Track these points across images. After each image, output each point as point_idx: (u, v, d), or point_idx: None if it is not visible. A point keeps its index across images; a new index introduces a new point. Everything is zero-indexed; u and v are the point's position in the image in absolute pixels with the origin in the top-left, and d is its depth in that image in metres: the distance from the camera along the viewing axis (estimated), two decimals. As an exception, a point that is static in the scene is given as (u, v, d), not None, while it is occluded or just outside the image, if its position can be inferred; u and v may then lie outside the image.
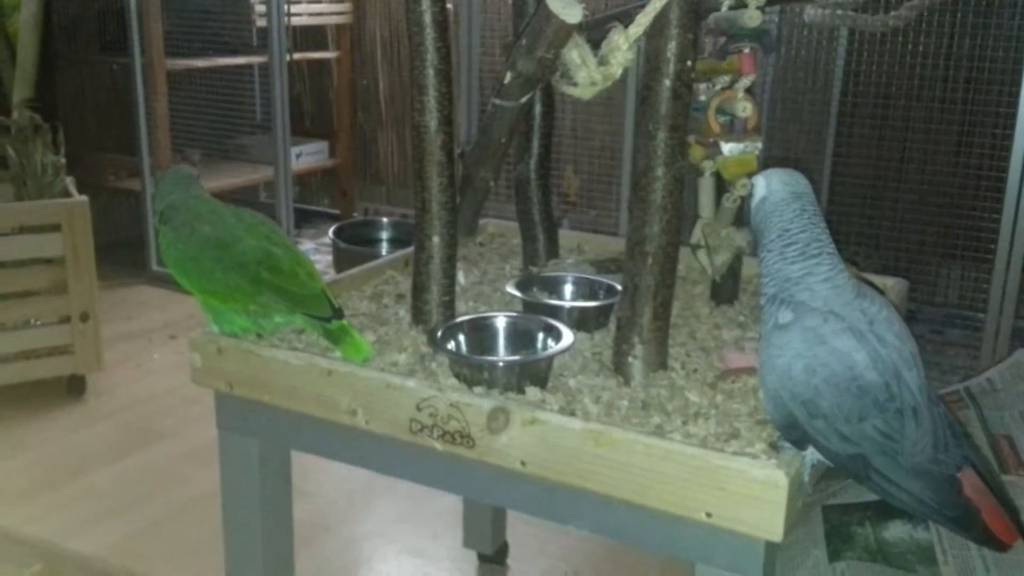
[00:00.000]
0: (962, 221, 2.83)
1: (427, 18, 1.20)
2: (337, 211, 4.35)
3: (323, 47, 4.23)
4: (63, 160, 2.71)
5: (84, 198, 2.57)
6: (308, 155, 4.12)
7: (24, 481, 2.21)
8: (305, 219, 4.32)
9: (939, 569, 1.10)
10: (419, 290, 1.30)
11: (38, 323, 2.57)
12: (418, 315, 1.30)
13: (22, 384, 2.55)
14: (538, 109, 1.54)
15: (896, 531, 1.16)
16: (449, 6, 1.45)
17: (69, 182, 2.69)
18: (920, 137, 2.90)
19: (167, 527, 2.04)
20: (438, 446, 1.07)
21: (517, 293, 1.33)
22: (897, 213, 2.97)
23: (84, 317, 2.57)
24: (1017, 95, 2.43)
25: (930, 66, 2.80)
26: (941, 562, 1.11)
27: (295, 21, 3.84)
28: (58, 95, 4.15)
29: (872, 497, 1.18)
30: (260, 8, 3.57)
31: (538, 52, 1.20)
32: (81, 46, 4.14)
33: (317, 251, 3.91)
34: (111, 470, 2.27)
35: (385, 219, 1.88)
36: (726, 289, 1.41)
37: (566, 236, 1.70)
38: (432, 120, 1.24)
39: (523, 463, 1.02)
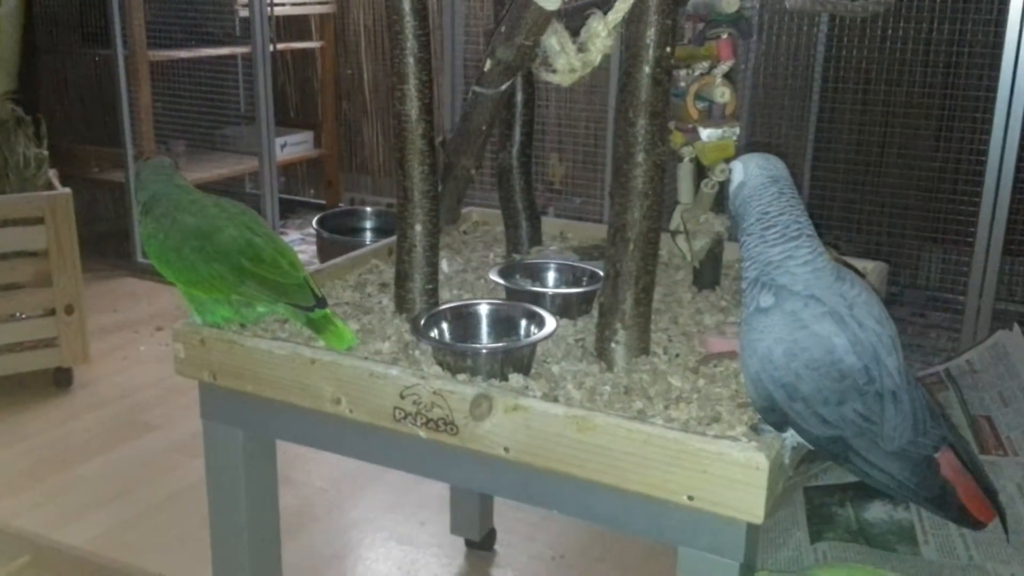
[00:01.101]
0: (943, 204, 2.84)
1: (406, 6, 1.20)
2: (323, 201, 4.34)
3: (307, 37, 4.21)
4: (46, 152, 2.70)
5: (67, 190, 2.56)
6: (293, 145, 4.11)
7: (11, 473, 2.21)
8: (291, 209, 4.30)
9: (919, 549, 1.12)
10: (402, 278, 1.30)
11: (23, 316, 2.56)
12: (401, 303, 1.30)
13: (8, 377, 2.54)
14: (519, 97, 1.54)
15: (876, 512, 1.17)
16: (430, -6, 1.45)
17: (52, 174, 2.68)
18: (901, 122, 2.91)
19: (155, 518, 2.04)
20: (422, 434, 1.08)
21: (500, 280, 1.34)
22: (878, 197, 2.98)
23: (69, 309, 2.56)
24: (996, 80, 2.45)
25: (910, 51, 2.81)
26: (921, 542, 1.13)
27: (278, 11, 3.82)
28: (40, 87, 4.12)
29: (853, 479, 1.19)
30: (243, -1, 3.55)
31: (517, 39, 1.20)
32: (63, 38, 4.11)
33: (303, 241, 3.90)
34: (98, 462, 2.27)
35: (369, 208, 1.88)
36: (707, 274, 1.42)
37: (549, 223, 1.70)
38: (413, 109, 1.24)
39: (506, 449, 1.03)
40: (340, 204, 4.28)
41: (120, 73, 3.48)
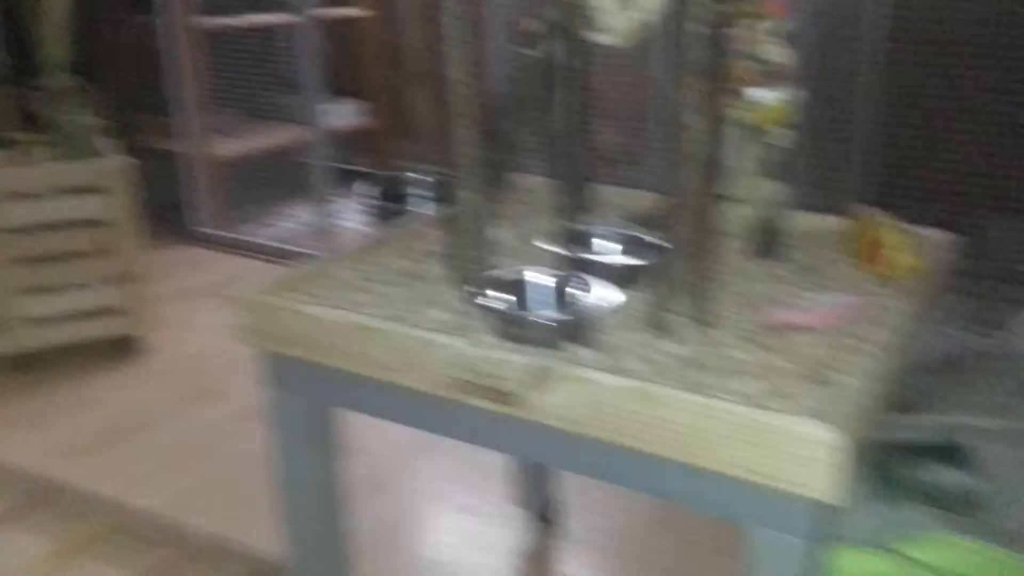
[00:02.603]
0: (1017, 172, 2.73)
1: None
2: (374, 170, 4.34)
3: (355, 4, 4.19)
4: (104, 122, 2.73)
5: (126, 159, 2.59)
6: (344, 114, 4.10)
7: (82, 439, 2.26)
8: (342, 178, 4.31)
9: (990, 513, 1.08)
10: (454, 246, 1.29)
11: (86, 285, 2.61)
12: (454, 271, 1.29)
13: (73, 345, 2.60)
14: (569, 59, 1.51)
15: (948, 476, 1.14)
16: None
17: (110, 144, 2.71)
18: (974, 84, 2.79)
19: (223, 483, 2.08)
20: (479, 404, 1.07)
21: (555, 248, 1.32)
22: (950, 165, 2.88)
23: (131, 278, 2.61)
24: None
25: (986, 5, 2.69)
26: (997, 506, 1.09)
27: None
28: (95, 56, 4.17)
29: (923, 438, 1.16)
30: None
31: None
32: (116, 5, 4.14)
33: (355, 210, 3.90)
34: (164, 428, 2.31)
35: (421, 176, 1.86)
36: (767, 243, 1.38)
37: (602, 191, 1.67)
38: (460, 73, 1.22)
39: (566, 421, 1.02)
40: (392, 172, 4.28)
41: (171, 41, 3.50)
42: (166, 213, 3.84)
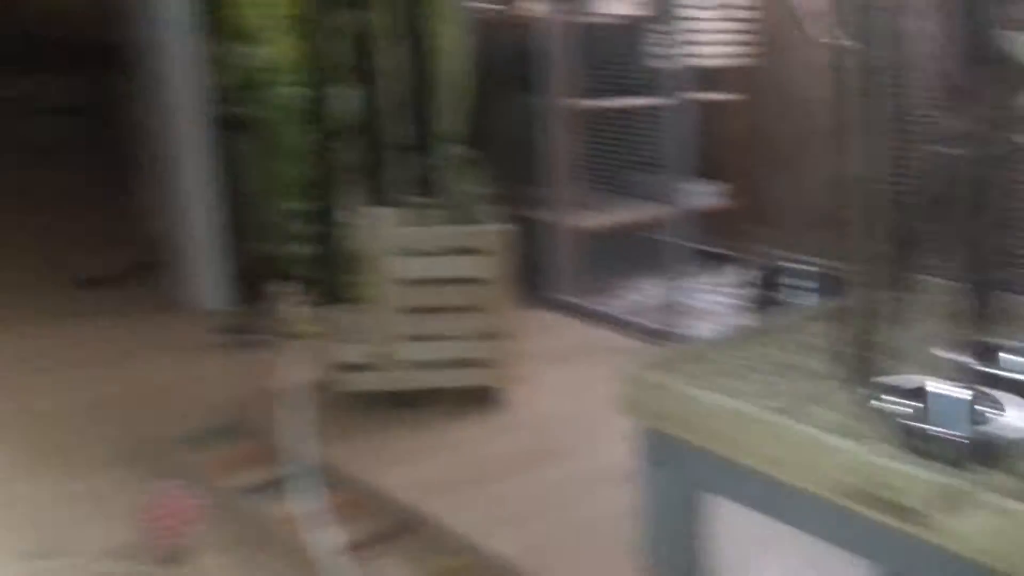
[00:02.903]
0: None
1: (863, 62, 1.15)
2: (730, 251, 4.31)
3: (725, 88, 4.24)
4: (487, 190, 3.00)
5: (507, 226, 2.82)
6: (703, 194, 4.14)
7: (444, 477, 2.44)
8: (706, 259, 4.32)
9: None
10: (850, 345, 1.24)
11: (460, 337, 2.85)
12: (845, 371, 1.24)
13: (444, 390, 2.84)
14: (990, 159, 1.40)
15: None
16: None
17: (491, 211, 2.97)
18: None
19: (572, 543, 2.12)
20: (872, 515, 1.01)
21: (962, 359, 1.22)
22: None
23: (499, 335, 2.81)
24: None
25: None
26: None
27: (697, 63, 3.90)
28: (482, 130, 4.61)
29: None
30: (663, 51, 3.68)
31: (996, 97, 1.09)
32: (504, 86, 4.56)
33: (715, 292, 3.88)
34: (519, 479, 2.42)
35: (800, 265, 1.84)
36: None
37: (1017, 301, 1.52)
38: (866, 167, 1.18)
39: (979, 552, 0.93)
40: (763, 258, 4.22)
41: (547, 120, 3.78)
42: (527, 277, 4.11)
